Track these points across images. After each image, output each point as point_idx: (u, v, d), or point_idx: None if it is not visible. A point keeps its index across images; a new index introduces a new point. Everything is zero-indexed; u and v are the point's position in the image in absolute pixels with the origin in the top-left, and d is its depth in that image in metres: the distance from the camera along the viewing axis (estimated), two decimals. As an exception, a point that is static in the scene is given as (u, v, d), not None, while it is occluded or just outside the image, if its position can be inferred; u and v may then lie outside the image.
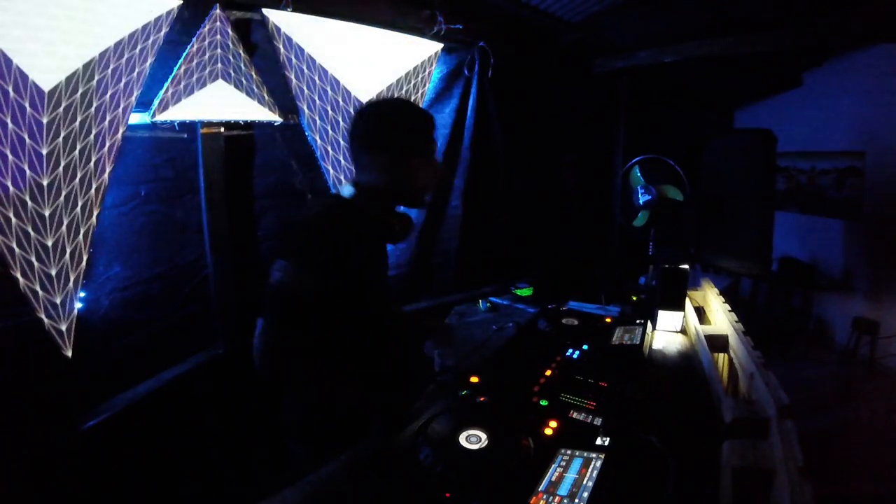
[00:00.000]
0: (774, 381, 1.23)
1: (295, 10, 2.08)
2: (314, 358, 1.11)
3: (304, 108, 2.23)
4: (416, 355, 1.53)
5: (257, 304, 1.10)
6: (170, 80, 1.78)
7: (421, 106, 1.42)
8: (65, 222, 1.56)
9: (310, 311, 1.08)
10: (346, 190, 1.26)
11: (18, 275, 1.45)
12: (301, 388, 1.19)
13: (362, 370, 1.25)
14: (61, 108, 1.51)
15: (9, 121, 1.40)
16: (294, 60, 2.16)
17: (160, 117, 1.79)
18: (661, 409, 1.27)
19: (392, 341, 1.39)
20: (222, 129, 1.98)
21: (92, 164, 1.61)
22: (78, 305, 1.60)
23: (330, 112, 2.31)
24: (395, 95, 2.49)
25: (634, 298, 2.16)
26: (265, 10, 2.04)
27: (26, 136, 1.44)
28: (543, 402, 1.22)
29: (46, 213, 1.51)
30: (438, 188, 2.85)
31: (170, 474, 1.87)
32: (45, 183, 1.49)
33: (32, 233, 1.48)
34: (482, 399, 1.23)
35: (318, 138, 2.30)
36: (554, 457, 0.99)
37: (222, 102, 1.93)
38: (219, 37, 1.87)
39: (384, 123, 1.22)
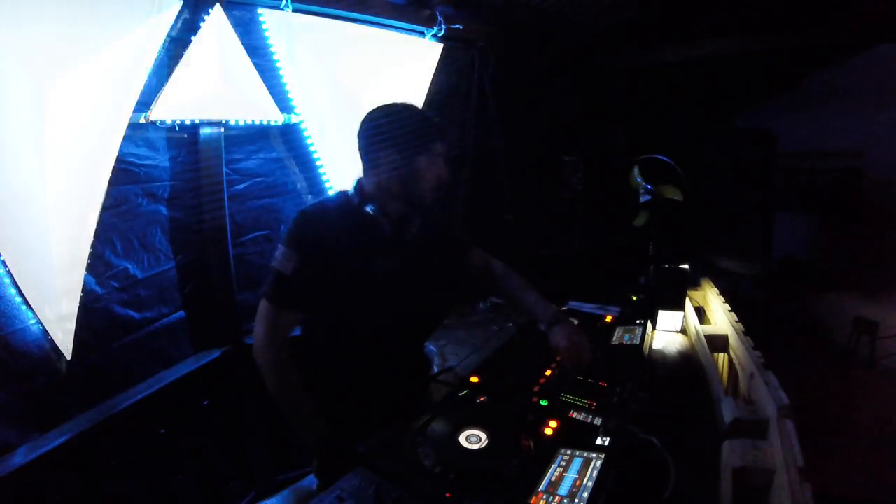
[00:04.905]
0: (774, 381, 1.23)
1: (295, 10, 2.08)
2: (304, 360, 1.19)
3: (305, 108, 2.23)
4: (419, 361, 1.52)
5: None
6: (170, 80, 1.78)
7: (422, 107, 1.41)
8: (65, 222, 1.55)
9: (300, 294, 1.19)
10: (352, 188, 1.31)
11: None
12: (280, 392, 1.19)
13: (356, 366, 1.28)
14: (62, 110, 1.51)
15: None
16: (294, 60, 2.16)
17: (160, 117, 1.78)
18: (661, 409, 1.27)
19: (392, 346, 1.34)
20: (222, 130, 1.98)
21: (92, 163, 1.61)
22: (78, 305, 1.60)
23: (330, 112, 2.30)
24: (397, 96, 2.48)
25: (634, 298, 2.16)
26: (265, 10, 2.04)
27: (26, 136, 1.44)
28: (543, 402, 1.22)
29: (47, 213, 1.50)
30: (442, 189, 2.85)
31: (170, 475, 1.87)
32: (45, 183, 1.49)
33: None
34: (482, 399, 1.23)
35: (318, 138, 2.30)
36: (554, 457, 0.99)
37: (222, 102, 1.93)
38: (219, 36, 1.87)
39: (379, 126, 1.25)
